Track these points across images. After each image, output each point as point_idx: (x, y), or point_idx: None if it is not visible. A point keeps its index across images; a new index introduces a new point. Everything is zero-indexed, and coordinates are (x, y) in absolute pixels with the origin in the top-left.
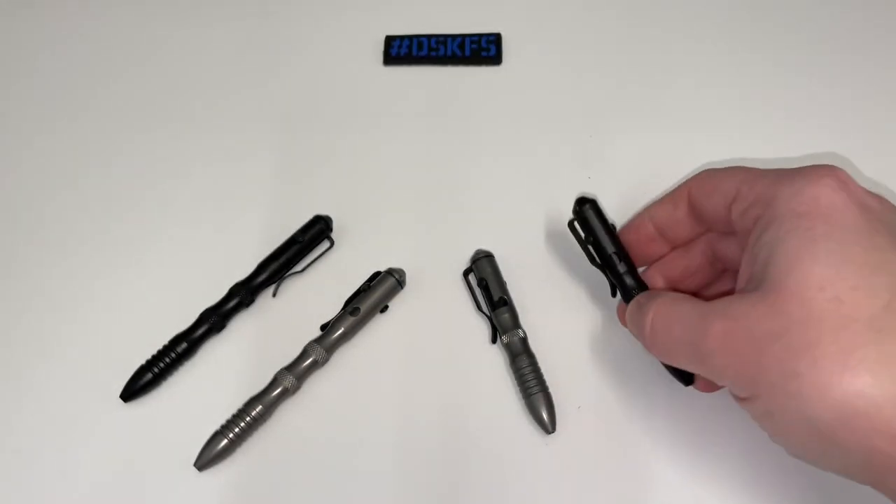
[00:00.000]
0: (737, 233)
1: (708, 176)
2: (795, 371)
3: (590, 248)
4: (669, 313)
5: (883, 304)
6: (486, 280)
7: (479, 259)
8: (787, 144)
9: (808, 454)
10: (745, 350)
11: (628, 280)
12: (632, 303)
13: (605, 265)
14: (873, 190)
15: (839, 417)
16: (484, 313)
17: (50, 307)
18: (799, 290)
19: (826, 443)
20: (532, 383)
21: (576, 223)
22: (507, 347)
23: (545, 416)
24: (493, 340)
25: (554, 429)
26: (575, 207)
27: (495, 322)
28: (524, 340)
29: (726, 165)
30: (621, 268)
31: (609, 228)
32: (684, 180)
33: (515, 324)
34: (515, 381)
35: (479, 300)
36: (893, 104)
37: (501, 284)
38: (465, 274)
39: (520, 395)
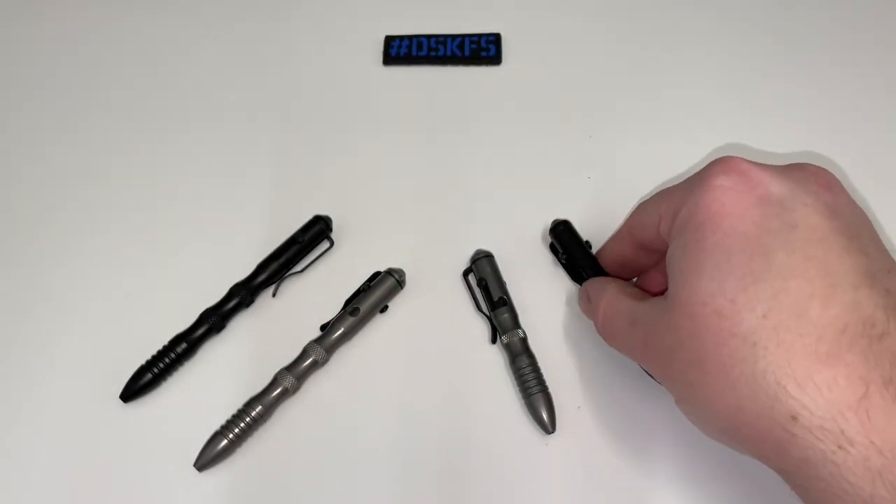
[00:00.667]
0: None
1: (638, 211)
2: (690, 382)
3: (563, 262)
4: (614, 312)
5: (760, 316)
6: (485, 280)
7: (478, 259)
8: (788, 142)
9: (719, 442)
10: (659, 358)
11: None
12: (581, 288)
13: (578, 279)
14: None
15: (728, 427)
16: (484, 313)
17: (50, 307)
18: (687, 306)
19: (726, 440)
20: (532, 383)
21: (554, 244)
22: (507, 347)
23: (545, 416)
24: (493, 341)
25: (554, 429)
26: (550, 228)
27: (495, 322)
28: (524, 340)
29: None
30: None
31: (581, 244)
32: (625, 219)
33: (515, 324)
34: (515, 382)
35: (478, 300)
36: (883, 102)
37: (501, 284)
38: (465, 274)
39: (520, 395)
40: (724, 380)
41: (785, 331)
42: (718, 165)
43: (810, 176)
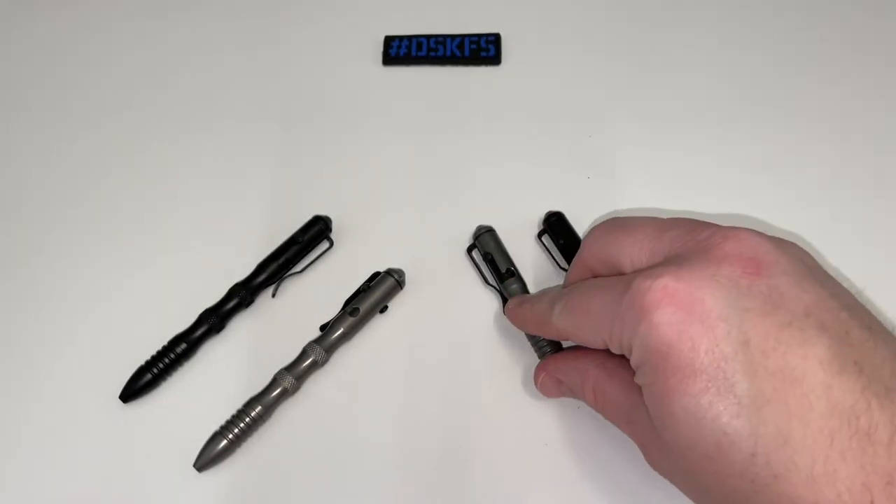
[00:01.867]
0: None
1: (576, 319)
2: (700, 500)
3: (560, 244)
4: (607, 401)
5: (748, 455)
6: (491, 254)
7: (481, 234)
8: (791, 144)
9: None
10: (662, 468)
11: None
12: (543, 365)
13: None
14: None
15: None
16: (493, 286)
17: (49, 307)
18: (676, 448)
19: None
20: (548, 349)
21: (547, 233)
22: None
23: None
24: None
25: None
26: (544, 219)
27: (506, 294)
28: None
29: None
30: None
31: (574, 235)
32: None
33: (525, 293)
34: (531, 346)
35: (485, 274)
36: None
37: (507, 257)
38: (469, 250)
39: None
40: None
41: (777, 463)
42: (649, 295)
43: (736, 264)
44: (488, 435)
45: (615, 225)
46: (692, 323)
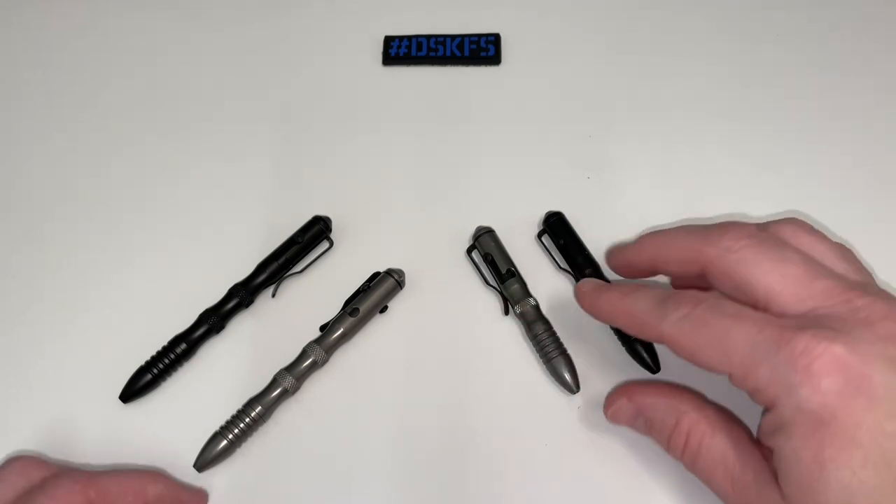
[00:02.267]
0: None
1: (697, 328)
2: None
3: (560, 245)
4: (709, 456)
5: None
6: (491, 255)
7: (481, 235)
8: (793, 143)
9: None
10: None
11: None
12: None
13: (573, 268)
14: None
15: None
16: (493, 287)
17: (49, 308)
18: None
19: None
20: (551, 347)
21: (547, 233)
22: (522, 316)
23: (568, 377)
24: (506, 312)
25: (578, 388)
26: (544, 219)
27: (506, 294)
28: (537, 308)
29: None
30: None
31: (575, 235)
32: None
33: (526, 293)
34: (534, 349)
35: (485, 275)
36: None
37: (507, 257)
38: (469, 251)
39: (540, 362)
40: None
41: None
42: (819, 361)
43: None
44: (488, 435)
45: (759, 246)
46: (859, 397)
